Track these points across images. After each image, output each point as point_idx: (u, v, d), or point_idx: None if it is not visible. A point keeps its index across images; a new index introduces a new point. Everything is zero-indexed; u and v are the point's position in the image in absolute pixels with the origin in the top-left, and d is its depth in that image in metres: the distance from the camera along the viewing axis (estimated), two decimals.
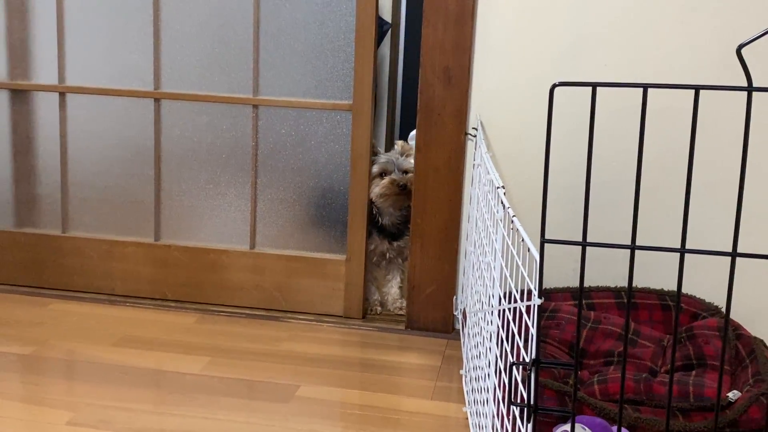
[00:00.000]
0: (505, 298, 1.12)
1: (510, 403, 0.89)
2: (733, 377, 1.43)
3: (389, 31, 3.10)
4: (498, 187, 1.21)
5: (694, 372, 1.44)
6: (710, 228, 1.64)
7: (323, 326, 1.96)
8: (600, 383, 1.38)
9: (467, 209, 1.87)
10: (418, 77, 1.84)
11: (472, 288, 1.62)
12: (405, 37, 3.14)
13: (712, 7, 1.70)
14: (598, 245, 0.81)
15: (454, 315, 1.93)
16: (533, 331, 0.85)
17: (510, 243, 1.11)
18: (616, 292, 1.76)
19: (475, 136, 1.81)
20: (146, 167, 2.08)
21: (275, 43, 1.98)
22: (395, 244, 2.08)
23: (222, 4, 1.98)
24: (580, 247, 0.80)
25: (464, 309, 1.80)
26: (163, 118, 2.05)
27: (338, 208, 2.02)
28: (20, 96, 2.11)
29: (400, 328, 1.96)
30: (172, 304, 2.07)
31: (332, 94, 1.98)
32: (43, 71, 2.09)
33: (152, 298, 2.10)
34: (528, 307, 0.90)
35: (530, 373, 0.83)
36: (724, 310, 1.62)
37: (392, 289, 2.11)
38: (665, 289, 1.74)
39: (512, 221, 1.05)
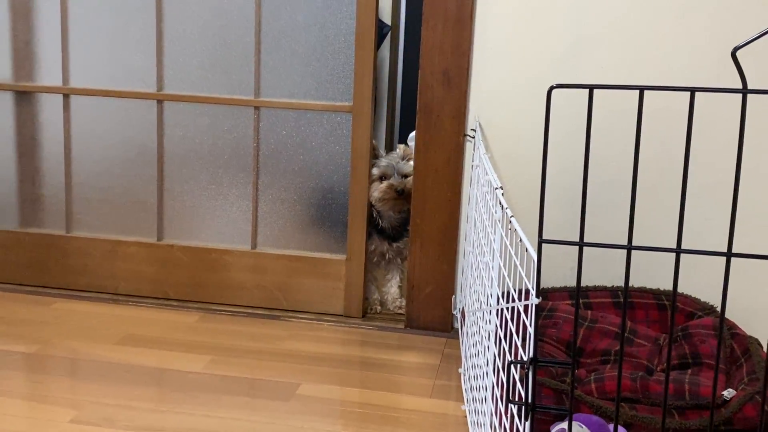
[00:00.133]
0: (503, 297, 1.13)
1: (508, 401, 0.89)
2: (728, 376, 1.44)
3: (389, 34, 3.11)
4: (496, 188, 1.21)
5: (689, 371, 1.44)
6: (707, 228, 1.65)
7: (324, 325, 1.98)
8: (597, 381, 1.39)
9: (466, 210, 1.88)
10: (418, 79, 1.85)
11: (470, 287, 1.63)
12: (404, 40, 3.15)
13: (709, 9, 1.71)
14: (595, 245, 0.81)
15: (452, 314, 1.94)
16: (531, 330, 0.85)
17: (508, 243, 1.11)
18: (612, 291, 1.77)
19: (473, 137, 1.81)
20: (149, 168, 2.09)
21: (276, 45, 1.99)
22: (394, 245, 2.09)
23: (224, 7, 1.99)
24: (578, 247, 0.81)
25: (463, 308, 1.81)
26: (166, 120, 2.06)
27: (338, 209, 2.04)
28: (25, 97, 2.13)
29: (400, 327, 1.97)
30: (175, 304, 2.08)
31: (333, 95, 1.99)
32: (48, 73, 2.10)
33: (155, 298, 2.11)
34: (526, 307, 0.90)
35: (528, 371, 0.83)
36: (719, 309, 1.63)
37: (392, 289, 2.12)
38: (661, 288, 1.75)
39: (510, 221, 1.05)
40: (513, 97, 1.83)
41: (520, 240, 0.96)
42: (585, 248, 0.80)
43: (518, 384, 0.94)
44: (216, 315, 2.02)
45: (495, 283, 1.18)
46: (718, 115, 1.61)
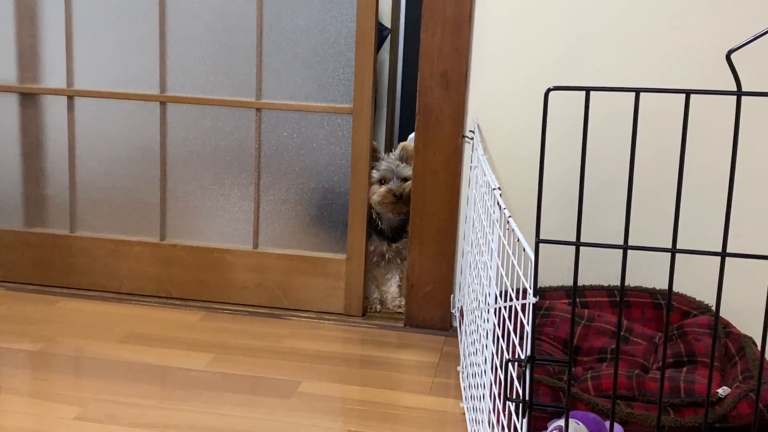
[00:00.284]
0: (501, 296, 1.13)
1: (506, 398, 0.90)
2: (722, 374, 1.45)
3: (389, 36, 3.12)
4: (494, 189, 1.21)
5: (685, 369, 1.45)
6: (702, 228, 1.65)
7: (324, 324, 1.99)
8: (593, 379, 1.39)
9: (464, 210, 1.89)
10: (417, 81, 1.86)
11: (469, 287, 1.63)
12: (404, 42, 3.16)
13: (705, 11, 1.72)
14: (591, 245, 0.81)
15: (451, 313, 1.95)
16: (528, 328, 0.86)
17: (506, 243, 1.11)
18: (609, 290, 1.77)
19: (472, 138, 1.82)
20: (152, 169, 2.10)
21: (277, 47, 2.01)
22: (394, 245, 2.10)
23: (226, 10, 2.00)
24: (574, 246, 0.81)
25: (461, 307, 1.81)
26: (169, 121, 2.07)
27: (339, 209, 2.05)
28: (29, 99, 2.14)
29: (399, 326, 1.98)
30: (177, 302, 2.09)
31: (333, 97, 2.00)
32: (52, 75, 2.11)
33: (158, 296, 2.12)
34: (523, 306, 0.90)
35: (525, 369, 0.83)
36: (714, 308, 1.65)
37: (391, 288, 2.13)
38: (657, 287, 1.75)
39: (508, 222, 1.05)
40: (511, 99, 1.83)
41: (518, 240, 0.96)
42: (582, 248, 0.81)
43: (516, 382, 0.95)
44: (218, 314, 2.03)
45: (493, 283, 1.18)
46: (713, 116, 1.62)
